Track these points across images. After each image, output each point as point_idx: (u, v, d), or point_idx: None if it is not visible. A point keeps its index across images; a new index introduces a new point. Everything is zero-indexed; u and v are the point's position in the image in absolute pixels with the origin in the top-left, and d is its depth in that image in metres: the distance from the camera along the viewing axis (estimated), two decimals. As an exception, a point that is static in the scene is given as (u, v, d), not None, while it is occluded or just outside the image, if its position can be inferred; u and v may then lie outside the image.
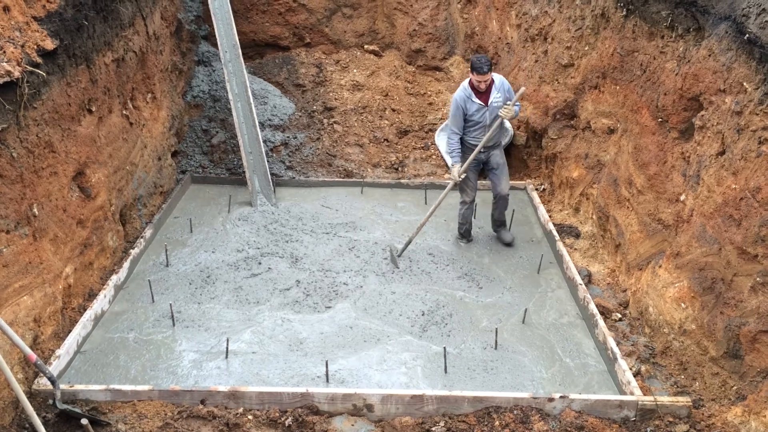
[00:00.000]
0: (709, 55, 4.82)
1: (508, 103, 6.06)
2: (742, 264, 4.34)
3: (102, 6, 5.64)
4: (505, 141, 8.16)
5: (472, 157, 6.24)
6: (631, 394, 4.54)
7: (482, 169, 6.74)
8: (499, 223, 6.87)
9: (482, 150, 6.34)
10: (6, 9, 4.41)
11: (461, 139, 6.35)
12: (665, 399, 4.46)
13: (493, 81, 6.12)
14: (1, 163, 4.21)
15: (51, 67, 4.75)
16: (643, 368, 4.90)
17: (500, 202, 6.70)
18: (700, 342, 4.71)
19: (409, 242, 6.54)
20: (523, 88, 6.14)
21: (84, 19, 5.28)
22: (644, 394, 4.55)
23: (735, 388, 4.39)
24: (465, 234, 6.84)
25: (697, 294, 4.73)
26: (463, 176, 6.32)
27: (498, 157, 6.56)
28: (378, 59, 10.05)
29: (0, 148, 4.20)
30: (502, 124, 6.28)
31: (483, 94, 6.13)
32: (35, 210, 4.64)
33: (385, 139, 8.84)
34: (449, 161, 8.38)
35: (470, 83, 6.10)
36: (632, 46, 5.99)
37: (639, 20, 5.86)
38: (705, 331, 4.63)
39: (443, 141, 8.60)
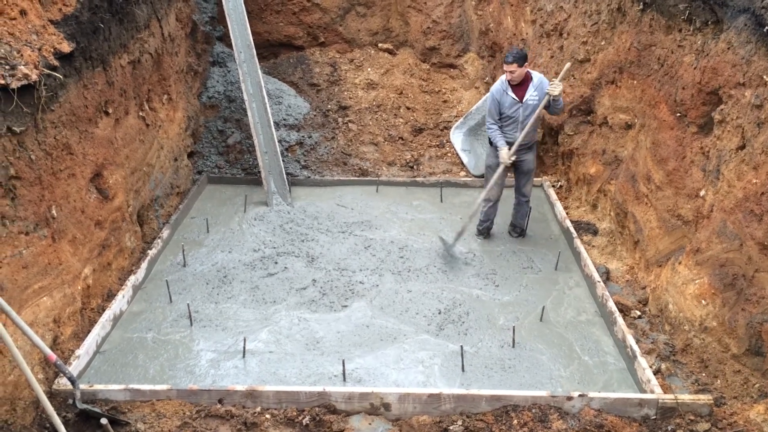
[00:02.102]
0: (728, 48, 4.75)
1: (554, 79, 6.01)
2: (764, 260, 4.27)
3: (117, 8, 5.68)
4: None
5: (517, 144, 6.17)
6: (652, 392, 4.50)
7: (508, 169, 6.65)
8: (519, 231, 6.83)
9: (516, 151, 6.27)
10: (23, 13, 4.45)
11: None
12: (686, 397, 4.41)
13: (531, 78, 6.13)
14: (20, 165, 4.25)
15: (68, 70, 4.79)
16: (663, 366, 4.84)
17: (522, 206, 6.68)
18: (721, 339, 4.64)
19: (461, 232, 6.51)
20: (569, 63, 6.10)
21: (100, 21, 5.32)
22: (665, 392, 4.50)
23: (757, 385, 4.33)
24: (483, 231, 6.81)
25: (717, 290, 4.67)
26: (513, 158, 6.24)
27: (531, 162, 6.54)
28: (392, 57, 10.04)
29: (18, 151, 4.24)
30: (538, 121, 6.30)
31: (519, 90, 6.11)
32: (54, 211, 4.69)
33: (400, 138, 8.82)
34: (464, 158, 8.37)
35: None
36: (649, 40, 5.93)
37: (656, 14, 5.79)
38: (726, 328, 4.57)
39: (458, 139, 8.58)
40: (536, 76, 6.18)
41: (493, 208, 6.69)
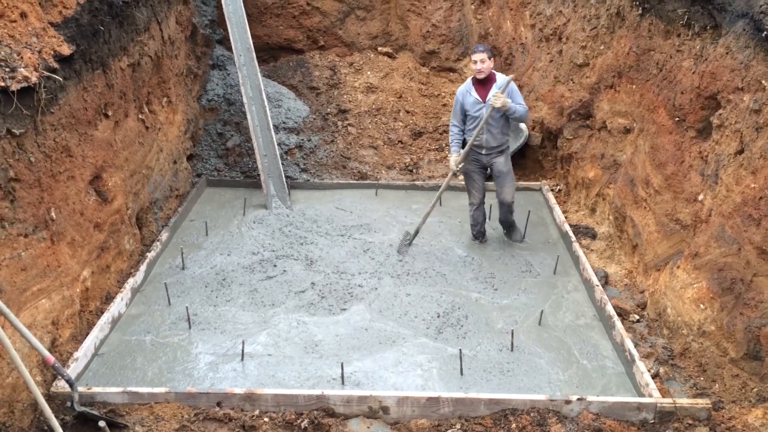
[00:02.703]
0: (727, 53, 4.76)
1: (498, 90, 5.92)
2: (762, 264, 4.28)
3: (118, 11, 5.69)
4: (520, 142, 8.12)
5: (467, 147, 6.20)
6: (650, 396, 4.49)
7: (488, 173, 6.67)
8: (506, 226, 6.84)
9: (485, 152, 6.32)
10: (23, 15, 4.46)
11: (464, 138, 6.40)
12: (684, 401, 4.41)
13: (495, 79, 6.09)
14: (19, 167, 4.25)
15: (68, 73, 4.79)
16: (661, 370, 4.84)
17: (503, 208, 6.66)
18: (719, 343, 4.65)
19: (416, 232, 6.63)
20: (509, 77, 5.97)
21: (100, 24, 5.33)
22: (663, 396, 4.49)
23: (756, 389, 4.33)
24: (477, 236, 6.82)
25: (716, 295, 4.67)
26: (460, 166, 6.28)
27: (501, 165, 6.43)
28: (392, 61, 10.06)
29: (18, 153, 4.24)
30: (507, 125, 6.24)
31: (483, 90, 6.09)
32: (53, 214, 4.69)
33: (399, 141, 8.83)
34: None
35: (473, 78, 6.15)
36: (648, 44, 5.94)
37: (655, 18, 5.81)
38: (724, 332, 4.57)
39: (458, 142, 8.59)
40: (501, 77, 6.13)
41: (478, 211, 6.68)
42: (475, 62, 6.02)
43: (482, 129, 6.15)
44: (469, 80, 6.25)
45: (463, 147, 6.39)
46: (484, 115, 6.09)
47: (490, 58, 6.03)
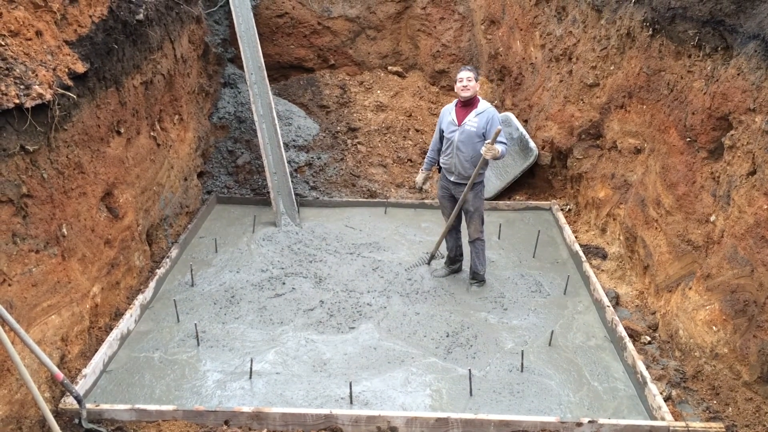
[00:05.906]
0: (738, 74, 4.76)
1: (488, 142, 5.52)
2: (776, 286, 4.24)
3: (131, 30, 5.75)
4: (529, 161, 8.12)
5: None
6: (662, 419, 4.44)
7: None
8: (472, 275, 6.37)
9: (453, 179, 5.98)
10: (39, 33, 4.51)
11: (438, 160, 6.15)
12: (697, 425, 4.35)
13: (477, 103, 5.78)
14: (32, 183, 4.28)
15: (81, 90, 4.84)
16: (674, 393, 4.78)
17: (473, 246, 6.23)
18: (732, 366, 4.59)
19: (432, 257, 6.66)
20: (498, 128, 5.52)
21: (114, 42, 5.39)
22: (675, 420, 4.44)
23: (770, 414, 4.27)
24: (447, 262, 6.58)
25: (729, 317, 4.62)
26: (421, 185, 6.33)
27: (468, 203, 6.02)
28: (401, 80, 10.12)
29: (31, 169, 4.27)
30: (482, 163, 5.75)
31: (462, 113, 5.79)
32: (64, 230, 4.71)
33: (408, 159, 8.85)
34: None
35: (458, 101, 5.87)
36: (659, 65, 5.95)
37: (665, 39, 5.82)
38: (738, 354, 4.52)
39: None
40: (484, 105, 5.79)
41: (450, 236, 6.39)
42: (461, 80, 5.69)
43: (453, 153, 5.86)
44: (454, 101, 5.94)
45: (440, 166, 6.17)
46: (455, 138, 5.81)
47: (476, 80, 5.73)
